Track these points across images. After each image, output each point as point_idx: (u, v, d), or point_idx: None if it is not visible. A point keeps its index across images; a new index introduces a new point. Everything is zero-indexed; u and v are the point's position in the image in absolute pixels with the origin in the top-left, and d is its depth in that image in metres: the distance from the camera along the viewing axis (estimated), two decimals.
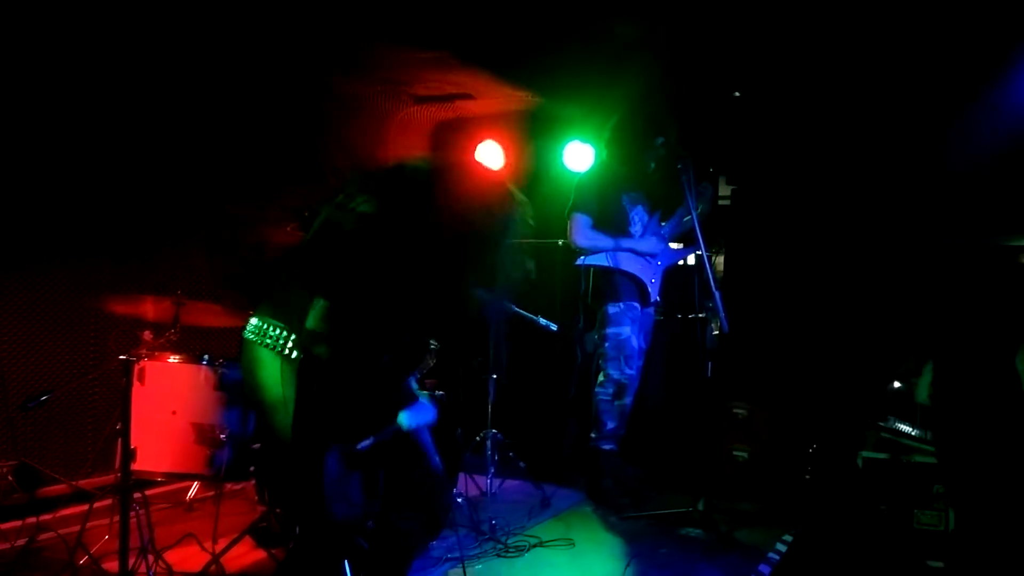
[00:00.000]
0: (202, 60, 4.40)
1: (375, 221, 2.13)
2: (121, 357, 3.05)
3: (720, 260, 5.86)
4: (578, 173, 5.04)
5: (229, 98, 4.70)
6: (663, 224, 4.80)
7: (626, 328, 4.60)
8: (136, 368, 3.16)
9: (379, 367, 2.17)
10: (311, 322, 2.07)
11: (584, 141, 5.45)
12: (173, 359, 3.27)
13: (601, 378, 4.67)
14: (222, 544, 3.33)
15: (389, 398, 2.25)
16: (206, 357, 3.31)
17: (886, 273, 5.34)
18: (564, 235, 4.75)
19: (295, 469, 2.17)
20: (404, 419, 2.25)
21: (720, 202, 5.80)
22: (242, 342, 2.28)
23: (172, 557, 3.25)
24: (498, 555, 3.73)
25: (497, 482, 4.72)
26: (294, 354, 2.15)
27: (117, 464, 3.12)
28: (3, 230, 2.23)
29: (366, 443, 2.20)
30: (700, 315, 4.79)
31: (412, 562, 2.54)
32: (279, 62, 4.61)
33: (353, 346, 2.08)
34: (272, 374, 2.17)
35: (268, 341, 2.18)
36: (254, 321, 2.25)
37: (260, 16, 3.49)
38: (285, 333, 2.17)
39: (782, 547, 3.94)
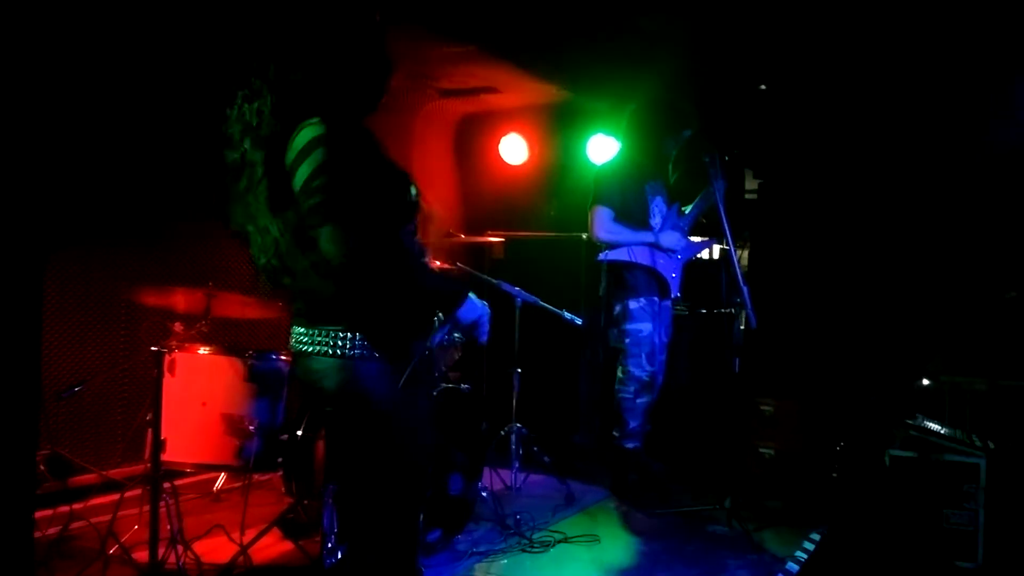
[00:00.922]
0: (235, 54, 4.41)
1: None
2: (152, 348, 3.06)
3: (745, 254, 5.82)
4: (600, 165, 5.01)
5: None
6: (683, 213, 4.76)
7: (647, 324, 4.57)
8: (167, 359, 3.18)
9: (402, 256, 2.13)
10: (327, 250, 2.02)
11: (608, 134, 5.43)
12: (203, 350, 3.29)
13: (621, 375, 4.64)
14: (250, 535, 3.34)
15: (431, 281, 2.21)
16: (236, 348, 3.32)
17: (915, 268, 5.29)
18: (587, 229, 4.73)
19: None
20: (461, 313, 2.19)
21: (747, 195, 5.76)
22: (293, 355, 2.22)
23: (201, 547, 3.27)
24: (523, 550, 3.73)
25: (521, 477, 4.72)
26: (353, 352, 2.09)
27: (147, 454, 3.14)
28: (36, 220, 2.24)
29: (439, 335, 2.19)
30: (727, 310, 4.76)
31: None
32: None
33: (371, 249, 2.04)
34: (334, 373, 2.12)
35: (320, 348, 2.12)
36: (299, 329, 2.18)
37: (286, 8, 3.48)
38: (334, 333, 2.11)
39: (810, 546, 3.90)
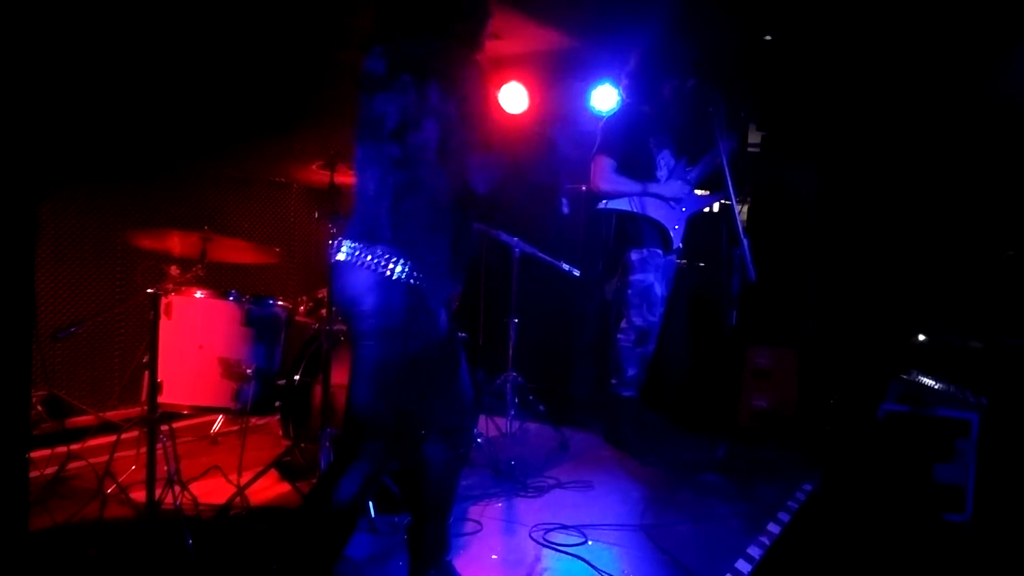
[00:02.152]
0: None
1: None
2: (149, 291, 3.05)
3: (745, 208, 5.79)
4: (604, 115, 4.95)
5: (258, 36, 4.63)
6: (689, 168, 4.73)
7: (649, 275, 4.56)
8: (163, 302, 3.17)
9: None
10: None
11: (612, 84, 5.35)
12: (199, 294, 3.27)
13: (623, 324, 4.65)
14: (247, 477, 3.37)
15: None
16: (233, 293, 3.31)
17: (914, 223, 5.27)
18: (587, 179, 4.69)
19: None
20: None
21: (749, 149, 5.71)
22: (334, 266, 2.34)
23: (198, 488, 3.30)
24: (518, 495, 3.77)
25: (517, 424, 4.76)
26: (395, 274, 2.23)
27: (144, 396, 3.15)
28: (31, 161, 2.21)
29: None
30: (726, 263, 4.75)
31: (455, 491, 2.62)
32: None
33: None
34: (370, 289, 2.24)
35: (363, 262, 2.25)
36: (348, 243, 2.30)
37: None
38: (379, 255, 2.24)
39: (801, 496, 3.95)
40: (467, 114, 2.26)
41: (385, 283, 2.23)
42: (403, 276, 2.23)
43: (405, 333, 2.25)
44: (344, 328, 3.41)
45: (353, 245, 2.29)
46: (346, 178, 3.41)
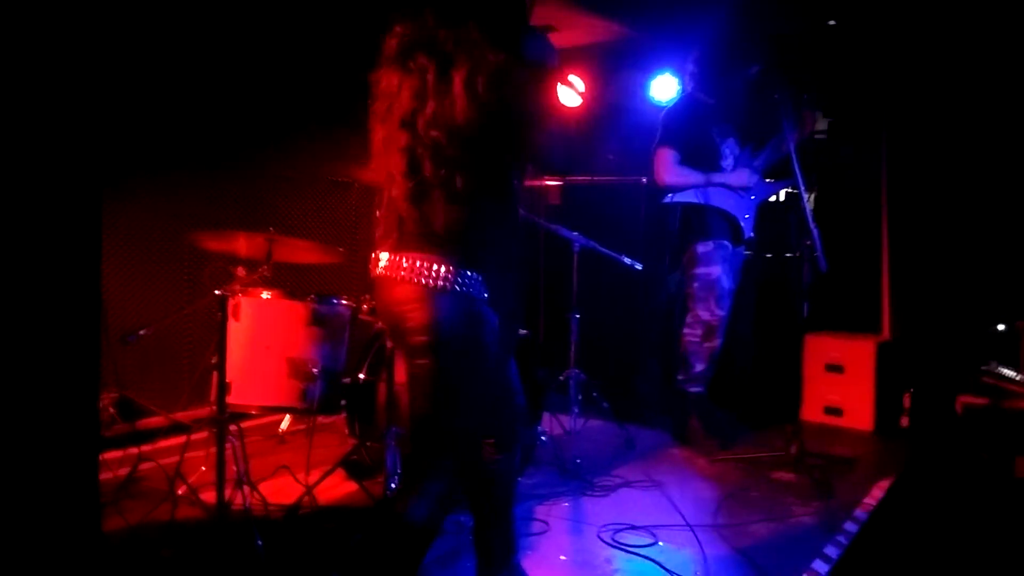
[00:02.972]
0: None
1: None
2: (216, 292, 3.06)
3: (812, 197, 5.64)
4: (664, 106, 4.86)
5: (319, 36, 4.66)
6: (755, 156, 4.61)
7: (716, 267, 4.46)
8: (231, 303, 3.19)
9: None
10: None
11: (672, 74, 5.25)
12: (266, 295, 3.28)
13: (689, 319, 4.55)
14: (315, 476, 3.38)
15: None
16: (298, 293, 3.32)
17: (990, 207, 5.06)
18: (648, 172, 4.60)
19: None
20: None
21: (816, 136, 5.55)
22: (375, 281, 2.22)
23: (266, 488, 3.32)
24: (584, 494, 3.71)
25: (581, 422, 4.70)
26: (438, 283, 2.09)
27: (212, 397, 3.17)
28: (101, 163, 2.22)
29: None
30: (795, 254, 4.62)
31: (515, 495, 2.54)
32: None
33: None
34: (415, 303, 2.11)
35: (403, 273, 2.12)
36: (385, 255, 2.18)
37: None
38: (419, 263, 2.10)
39: (879, 493, 3.82)
40: (518, 102, 2.05)
41: (429, 294, 2.08)
42: (447, 284, 2.08)
43: (458, 345, 2.11)
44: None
45: (390, 256, 2.17)
46: None
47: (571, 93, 5.31)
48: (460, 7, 2.11)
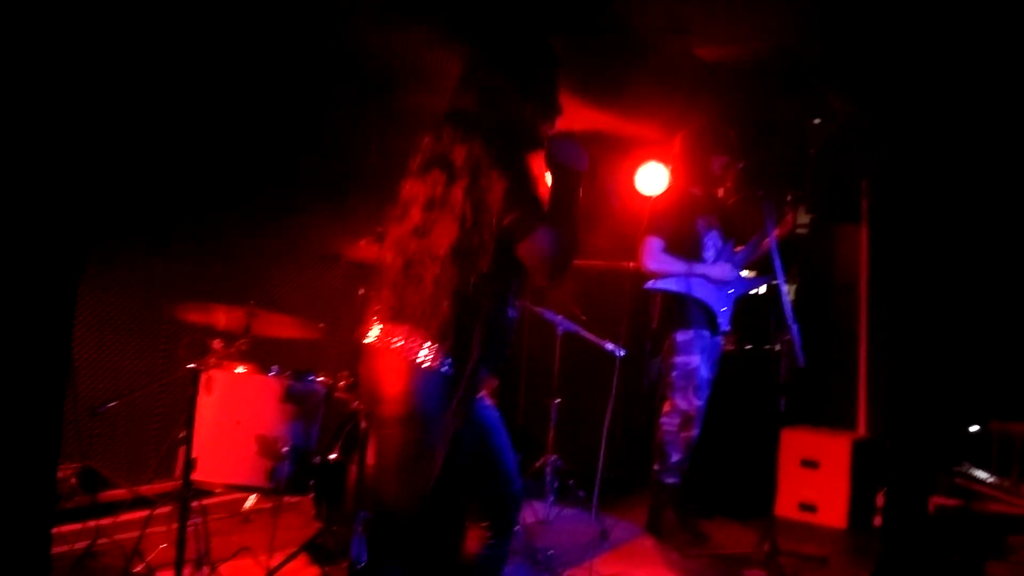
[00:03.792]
0: (291, 75, 4.44)
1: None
2: (190, 366, 3.04)
3: (793, 289, 5.69)
4: (651, 195, 4.92)
5: (309, 111, 4.72)
6: (737, 251, 4.66)
7: (695, 357, 4.45)
8: (203, 377, 3.15)
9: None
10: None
11: (658, 164, 5.34)
12: (240, 369, 3.25)
13: (667, 408, 4.53)
14: (277, 559, 3.29)
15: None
16: (274, 368, 3.28)
17: (963, 311, 5.11)
18: (634, 258, 4.64)
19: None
20: None
21: (797, 231, 5.63)
22: (364, 349, 2.28)
23: (227, 570, 3.23)
24: None
25: (555, 510, 4.62)
26: (425, 364, 2.15)
27: (178, 472, 3.10)
28: (80, 231, 2.22)
29: None
30: (775, 347, 4.64)
31: None
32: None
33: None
34: (398, 374, 2.18)
35: (393, 346, 2.19)
36: (378, 327, 2.26)
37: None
38: (410, 339, 2.18)
39: None
40: (514, 201, 2.15)
41: (414, 369, 2.16)
42: (434, 363, 2.15)
43: (430, 423, 2.15)
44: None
45: (384, 328, 2.24)
46: None
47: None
48: (473, 122, 2.25)
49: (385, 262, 2.31)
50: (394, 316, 2.23)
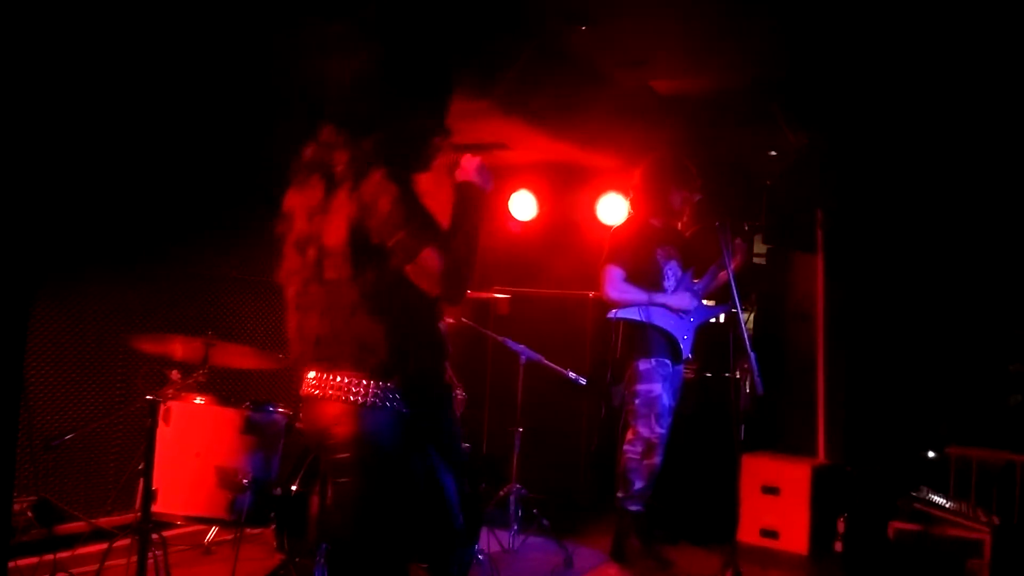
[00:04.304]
0: (247, 104, 4.44)
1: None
2: (148, 397, 3.02)
3: (751, 318, 5.78)
4: (612, 225, 5.00)
5: (272, 142, 4.72)
6: (696, 281, 4.74)
7: (657, 385, 4.50)
8: (162, 408, 3.14)
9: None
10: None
11: (619, 195, 5.44)
12: (199, 400, 3.24)
13: (630, 435, 4.57)
14: None
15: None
16: (233, 399, 3.28)
17: (921, 337, 5.23)
18: (596, 287, 4.70)
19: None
20: None
21: (755, 259, 5.73)
22: (302, 400, 2.21)
23: None
24: None
25: (520, 539, 4.62)
26: (367, 401, 2.09)
27: (138, 504, 3.08)
28: (33, 264, 2.21)
29: None
30: (733, 375, 4.70)
31: None
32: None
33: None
34: (342, 419, 2.11)
35: (331, 392, 2.12)
36: (312, 375, 2.18)
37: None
38: (347, 380, 2.11)
39: None
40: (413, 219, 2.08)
41: (358, 410, 2.09)
42: (376, 400, 2.09)
43: (384, 462, 2.11)
44: None
45: (317, 374, 2.16)
46: None
47: (525, 207, 5.47)
48: (362, 128, 2.18)
49: (288, 296, 2.22)
50: (321, 356, 2.16)
